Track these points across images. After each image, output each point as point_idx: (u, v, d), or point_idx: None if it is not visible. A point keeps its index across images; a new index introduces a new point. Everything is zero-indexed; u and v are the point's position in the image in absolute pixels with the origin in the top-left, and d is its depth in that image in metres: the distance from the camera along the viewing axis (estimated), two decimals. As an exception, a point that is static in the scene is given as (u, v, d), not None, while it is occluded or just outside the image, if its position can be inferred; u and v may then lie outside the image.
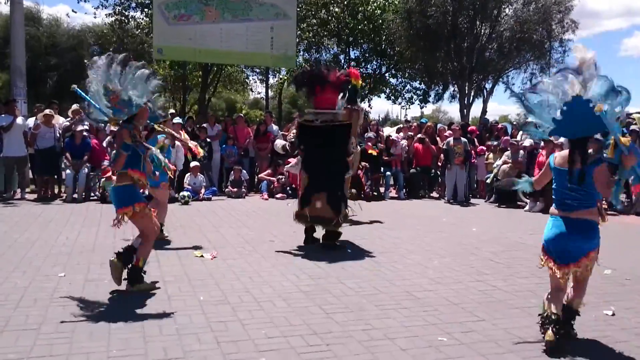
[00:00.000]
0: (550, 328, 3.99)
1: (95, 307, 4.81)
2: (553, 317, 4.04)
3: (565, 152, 4.14)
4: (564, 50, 26.62)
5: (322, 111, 7.47)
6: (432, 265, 6.62)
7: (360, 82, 8.15)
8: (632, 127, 12.29)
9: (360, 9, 26.60)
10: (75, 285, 5.41)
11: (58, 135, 12.32)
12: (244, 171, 13.90)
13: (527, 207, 12.08)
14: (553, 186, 4.21)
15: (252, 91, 35.03)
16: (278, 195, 13.20)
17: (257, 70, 30.04)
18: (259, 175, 14.16)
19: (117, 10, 25.70)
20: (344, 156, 7.43)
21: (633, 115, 13.78)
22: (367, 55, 28.76)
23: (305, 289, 5.50)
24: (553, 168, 4.20)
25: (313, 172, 7.48)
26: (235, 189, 13.25)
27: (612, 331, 4.43)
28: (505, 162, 12.83)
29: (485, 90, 28.07)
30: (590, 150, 4.04)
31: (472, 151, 14.01)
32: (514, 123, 18.49)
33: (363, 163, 11.47)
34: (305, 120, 7.61)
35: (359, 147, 7.86)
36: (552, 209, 4.20)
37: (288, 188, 13.46)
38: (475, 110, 28.75)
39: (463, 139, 13.48)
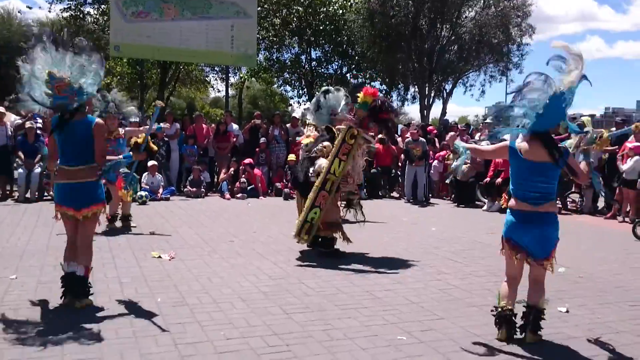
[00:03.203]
0: (504, 325, 4.18)
1: (48, 310, 4.67)
2: (509, 313, 4.18)
3: (526, 144, 4.09)
4: (522, 53, 27.29)
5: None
6: (392, 265, 6.65)
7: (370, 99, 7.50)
8: (585, 129, 12.60)
9: (322, 9, 26.62)
10: (27, 288, 5.24)
11: (10, 133, 11.94)
12: (206, 173, 13.76)
13: (485, 207, 12.28)
14: (514, 177, 4.23)
15: (213, 88, 34.57)
16: (238, 195, 13.09)
17: (217, 69, 29.76)
18: (220, 178, 14.02)
19: (72, 5, 25.12)
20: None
21: (582, 119, 14.11)
22: (328, 55, 28.81)
23: (265, 289, 5.46)
24: (519, 158, 4.13)
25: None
26: (194, 189, 13.09)
27: (566, 328, 4.53)
28: (464, 163, 13.00)
29: (445, 92, 28.49)
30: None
31: (431, 152, 14.18)
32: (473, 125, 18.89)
33: None
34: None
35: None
36: (513, 202, 4.21)
37: (248, 188, 13.38)
38: (435, 111, 29.19)
39: (422, 139, 13.64)
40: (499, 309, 4.23)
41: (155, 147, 9.11)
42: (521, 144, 4.14)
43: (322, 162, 7.04)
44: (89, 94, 4.86)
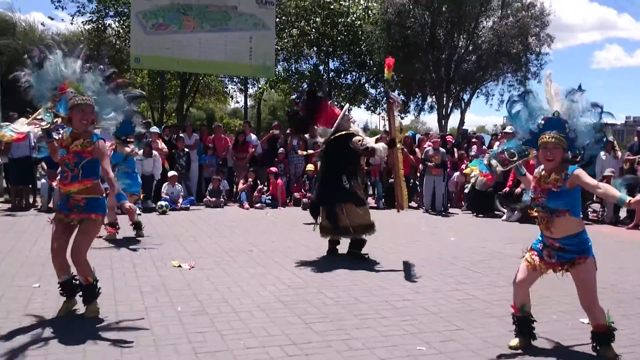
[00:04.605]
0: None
1: (70, 318, 4.73)
2: None
3: None
4: (540, 63, 27.16)
5: (322, 139, 7.58)
6: (410, 275, 6.63)
7: (391, 72, 8.13)
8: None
9: (340, 20, 26.74)
10: (50, 296, 5.31)
11: (33, 144, 12.11)
12: (225, 181, 13.86)
13: (504, 217, 12.19)
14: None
15: (232, 98, 34.83)
16: (257, 205, 13.16)
17: (236, 80, 29.99)
18: (238, 188, 14.10)
19: (94, 18, 25.53)
20: (340, 169, 7.44)
21: None
22: (346, 65, 28.90)
23: (284, 299, 5.47)
24: None
25: (319, 187, 7.66)
26: (213, 199, 13.18)
27: (588, 339, 4.46)
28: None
29: (463, 102, 28.41)
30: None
31: (449, 162, 14.14)
32: (493, 133, 18.86)
33: None
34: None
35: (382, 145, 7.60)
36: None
37: (267, 198, 13.44)
38: (453, 121, 29.11)
39: (441, 150, 13.61)
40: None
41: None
42: None
43: (381, 146, 7.46)
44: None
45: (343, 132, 7.46)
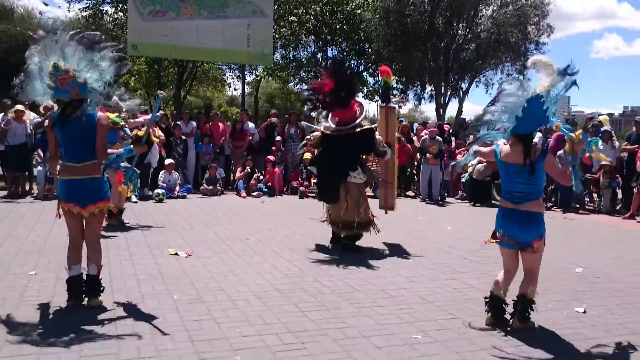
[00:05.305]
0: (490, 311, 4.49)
1: (66, 306, 4.72)
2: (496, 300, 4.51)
3: (508, 147, 4.40)
4: (540, 52, 27.03)
5: (339, 128, 7.38)
6: (407, 264, 6.65)
7: (391, 78, 8.18)
8: (604, 128, 12.51)
9: (339, 7, 26.60)
10: (46, 284, 5.32)
11: (29, 131, 12.10)
12: (221, 169, 13.82)
13: (501, 206, 12.20)
14: (501, 177, 4.52)
15: (230, 86, 34.70)
16: (254, 193, 13.14)
17: (234, 67, 29.86)
18: (236, 176, 14.07)
19: (90, 4, 25.37)
20: (352, 163, 7.35)
21: (599, 118, 14.03)
22: (345, 53, 28.77)
23: (281, 287, 5.48)
24: (500, 161, 4.47)
25: (324, 178, 7.63)
26: (210, 187, 13.16)
27: (583, 328, 4.50)
28: (480, 162, 12.92)
29: (461, 90, 28.34)
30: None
31: (445, 151, 14.10)
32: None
33: None
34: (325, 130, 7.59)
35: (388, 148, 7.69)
36: (502, 201, 4.53)
37: (264, 186, 13.43)
38: (451, 110, 29.04)
39: (438, 138, 13.58)
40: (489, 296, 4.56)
41: (155, 140, 9.33)
42: (503, 147, 4.44)
43: (388, 149, 7.66)
44: (93, 89, 4.61)
45: (367, 127, 7.39)
